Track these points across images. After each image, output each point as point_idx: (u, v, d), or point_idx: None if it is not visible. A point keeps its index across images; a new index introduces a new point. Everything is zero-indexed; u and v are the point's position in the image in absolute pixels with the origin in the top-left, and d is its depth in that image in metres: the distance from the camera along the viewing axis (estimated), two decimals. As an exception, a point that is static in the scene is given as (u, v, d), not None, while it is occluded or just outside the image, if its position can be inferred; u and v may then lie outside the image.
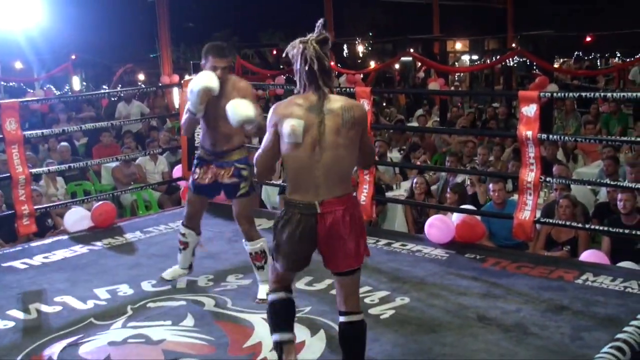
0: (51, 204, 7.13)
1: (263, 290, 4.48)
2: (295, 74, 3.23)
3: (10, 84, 17.05)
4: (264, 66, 20.71)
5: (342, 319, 3.37)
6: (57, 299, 4.71)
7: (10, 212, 6.16)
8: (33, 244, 6.09)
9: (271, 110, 3.27)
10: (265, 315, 4.19)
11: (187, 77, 10.00)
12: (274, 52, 23.49)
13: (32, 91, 16.51)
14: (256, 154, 3.35)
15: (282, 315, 3.50)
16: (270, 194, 8.58)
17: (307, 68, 3.15)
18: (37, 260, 5.61)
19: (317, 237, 3.23)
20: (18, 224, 6.00)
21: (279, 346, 3.46)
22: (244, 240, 4.66)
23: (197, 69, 7.37)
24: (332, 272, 3.38)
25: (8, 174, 5.95)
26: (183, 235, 4.82)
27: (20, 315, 4.47)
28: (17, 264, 5.54)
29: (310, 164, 3.15)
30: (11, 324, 4.34)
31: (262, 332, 4.04)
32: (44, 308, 4.58)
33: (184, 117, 4.61)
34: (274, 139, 3.25)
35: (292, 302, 3.55)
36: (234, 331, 4.11)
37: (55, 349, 3.95)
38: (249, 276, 5.01)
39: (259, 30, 23.72)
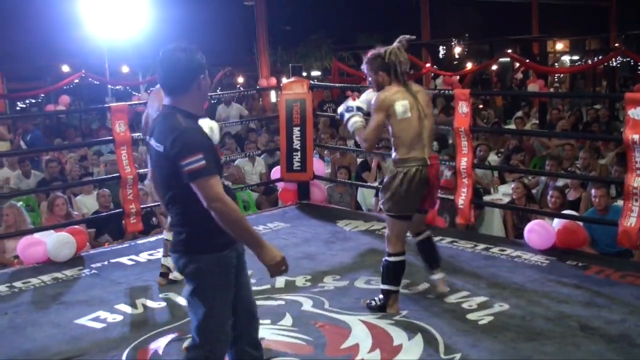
0: (156, 203, 7.38)
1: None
2: (375, 72, 4.34)
3: (117, 87, 17.74)
4: (359, 68, 20.74)
5: (423, 236, 4.60)
6: (161, 295, 4.90)
7: (118, 210, 6.44)
8: (139, 242, 6.35)
9: (379, 100, 4.26)
10: (362, 317, 4.27)
11: (284, 80, 10.14)
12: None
13: (137, 94, 17.14)
14: (365, 132, 4.33)
15: (400, 273, 4.41)
16: (366, 196, 8.61)
17: (393, 67, 4.29)
18: (143, 257, 5.85)
19: (428, 181, 4.30)
20: (126, 222, 6.27)
21: (391, 295, 4.36)
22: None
23: (296, 71, 7.49)
24: (421, 210, 4.50)
25: (117, 174, 6.22)
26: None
27: (128, 309, 4.67)
28: (124, 260, 5.79)
29: (420, 130, 4.28)
30: (119, 317, 4.54)
31: (359, 334, 4.08)
32: (150, 303, 4.77)
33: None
34: (384, 119, 4.27)
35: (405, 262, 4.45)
36: (332, 332, 4.16)
37: (160, 343, 4.10)
38: (346, 277, 5.06)
39: (355, 32, 23.74)
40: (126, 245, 6.29)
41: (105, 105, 8.14)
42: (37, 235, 5.93)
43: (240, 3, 16.97)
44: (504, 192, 7.91)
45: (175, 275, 5.00)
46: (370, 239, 6.10)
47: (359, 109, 4.48)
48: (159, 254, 5.88)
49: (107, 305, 4.74)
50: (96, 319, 4.51)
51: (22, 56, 15.73)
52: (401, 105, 4.22)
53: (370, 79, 4.42)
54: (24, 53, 15.70)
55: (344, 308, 4.48)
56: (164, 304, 4.75)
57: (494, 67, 20.15)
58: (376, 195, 7.87)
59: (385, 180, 4.46)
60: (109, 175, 7.42)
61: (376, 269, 5.18)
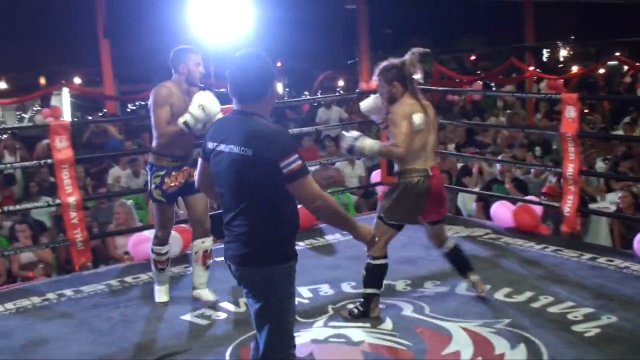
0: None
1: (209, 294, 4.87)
2: (389, 83, 4.41)
3: (221, 90, 18.19)
4: (460, 72, 20.50)
5: (447, 246, 4.69)
6: (263, 294, 4.98)
7: (218, 212, 6.60)
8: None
9: (405, 108, 4.32)
10: (464, 324, 4.22)
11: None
12: (472, 57, 23.18)
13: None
14: (398, 140, 4.27)
15: (383, 276, 4.48)
16: (466, 202, 8.50)
17: (409, 79, 4.41)
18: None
19: (430, 192, 4.37)
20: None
21: (373, 298, 4.45)
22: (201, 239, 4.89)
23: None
24: (430, 222, 4.58)
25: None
26: (162, 254, 4.87)
27: (231, 307, 4.80)
28: (226, 258, 5.92)
29: (426, 142, 4.39)
30: (223, 315, 4.67)
31: (460, 341, 4.04)
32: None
33: (172, 129, 4.55)
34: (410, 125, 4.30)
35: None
36: (432, 338, 4.14)
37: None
38: (447, 283, 5.01)
39: (457, 35, 23.47)
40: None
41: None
42: (146, 232, 6.16)
43: (341, 6, 17.04)
44: (611, 201, 7.63)
45: (198, 293, 4.87)
46: (471, 245, 6.02)
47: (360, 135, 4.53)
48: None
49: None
50: (201, 316, 4.65)
51: (134, 60, 16.39)
52: (419, 117, 4.31)
53: (382, 89, 4.47)
54: (136, 57, 16.36)
55: (444, 314, 4.45)
56: (266, 303, 4.84)
57: (601, 71, 19.45)
58: (477, 200, 7.77)
59: (388, 189, 4.60)
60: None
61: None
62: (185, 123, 4.43)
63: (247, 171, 2.81)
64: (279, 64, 17.43)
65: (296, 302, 4.68)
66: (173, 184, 4.67)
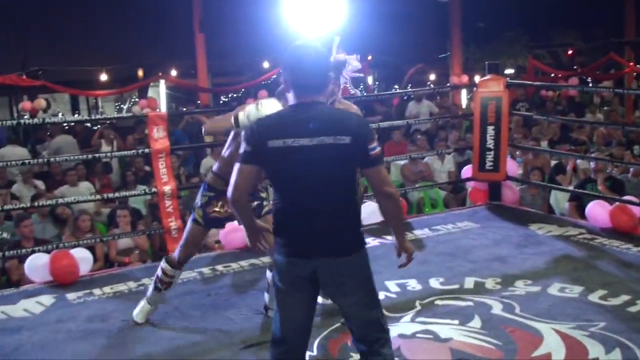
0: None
1: None
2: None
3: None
4: (556, 66, 19.93)
5: None
6: (351, 288, 5.00)
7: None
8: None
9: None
10: (555, 326, 4.12)
11: (477, 77, 9.99)
12: (569, 52, 22.48)
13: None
14: None
15: None
16: (559, 200, 8.27)
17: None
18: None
19: None
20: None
21: None
22: None
23: (492, 69, 7.35)
24: None
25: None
26: (168, 275, 4.44)
27: (319, 299, 4.80)
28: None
29: None
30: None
31: (551, 343, 3.94)
32: (340, 295, 4.89)
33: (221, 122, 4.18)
34: None
35: None
36: (523, 338, 4.05)
37: (349, 335, 4.19)
38: (538, 283, 4.90)
39: (552, 29, 22.79)
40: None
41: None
42: (237, 222, 6.28)
43: (434, -1, 16.90)
44: None
45: None
46: (564, 244, 5.87)
47: None
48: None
49: (300, 294, 4.92)
50: (290, 306, 4.70)
51: (229, 53, 16.72)
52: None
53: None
54: (231, 50, 16.67)
55: (535, 314, 4.34)
56: (353, 296, 4.86)
57: None
58: (570, 199, 7.55)
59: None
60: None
61: (571, 277, 5.00)
62: (235, 117, 3.84)
63: (343, 159, 2.79)
64: (369, 58, 17.38)
65: (383, 297, 4.75)
66: (218, 211, 4.25)
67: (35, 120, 7.31)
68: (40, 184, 8.81)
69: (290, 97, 2.88)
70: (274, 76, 15.67)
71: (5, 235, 6.82)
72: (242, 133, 3.01)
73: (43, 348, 4.26)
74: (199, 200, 4.26)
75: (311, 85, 2.82)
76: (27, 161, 7.66)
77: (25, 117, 13.51)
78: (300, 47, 2.86)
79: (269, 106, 3.58)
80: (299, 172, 2.80)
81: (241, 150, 2.85)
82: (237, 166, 2.86)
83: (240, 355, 4.02)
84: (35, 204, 7.13)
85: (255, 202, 4.21)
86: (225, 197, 3.82)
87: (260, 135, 2.79)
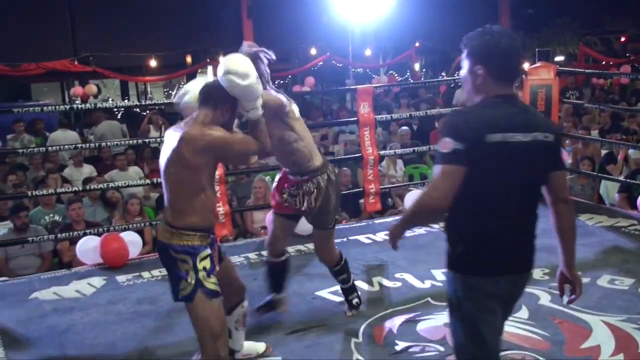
0: (392, 185, 7.56)
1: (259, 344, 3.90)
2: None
3: (358, 70, 18.31)
4: (608, 54, 19.50)
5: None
6: (397, 275, 5.01)
7: (357, 189, 6.67)
8: (376, 221, 6.53)
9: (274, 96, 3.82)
10: (605, 318, 4.06)
11: (526, 65, 9.72)
12: (622, 39, 21.96)
13: (376, 77, 17.54)
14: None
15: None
16: (610, 190, 8.11)
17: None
18: (380, 236, 6.02)
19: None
20: (365, 202, 6.48)
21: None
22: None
23: (542, 56, 7.23)
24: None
25: (359, 154, 6.44)
26: None
27: (364, 286, 4.85)
28: (362, 238, 6.00)
29: None
30: (357, 293, 4.71)
31: (601, 335, 3.89)
32: (386, 282, 4.91)
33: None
34: None
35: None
36: (571, 330, 4.01)
37: (395, 322, 4.21)
38: (588, 274, 4.83)
39: (603, 15, 22.28)
40: (363, 223, 6.51)
41: (351, 87, 8.42)
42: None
43: (482, -15, 16.69)
44: None
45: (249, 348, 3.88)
46: (615, 235, 5.77)
47: None
48: (395, 234, 6.02)
49: (346, 280, 4.94)
50: (335, 293, 4.71)
51: (275, 39, 16.74)
52: (294, 104, 4.00)
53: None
54: (277, 37, 16.70)
55: (584, 306, 4.28)
56: (399, 284, 4.87)
57: None
58: (620, 190, 7.40)
59: (316, 197, 4.00)
60: (351, 155, 7.70)
61: (621, 269, 4.92)
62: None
63: (546, 159, 2.53)
64: (417, 44, 17.25)
65: (429, 285, 4.74)
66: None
67: (88, 105, 7.45)
68: (91, 169, 8.99)
69: (476, 89, 2.51)
70: (320, 63, 15.68)
71: (57, 217, 6.97)
72: (444, 129, 2.45)
73: (94, 328, 4.36)
74: (196, 267, 3.11)
75: (514, 75, 2.54)
76: (79, 145, 7.79)
77: (77, 102, 13.77)
78: (499, 33, 2.46)
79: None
80: (511, 173, 2.45)
81: (445, 149, 2.39)
82: (439, 168, 2.40)
83: (287, 339, 4.06)
84: (87, 187, 7.27)
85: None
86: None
87: (477, 128, 2.38)
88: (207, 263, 3.12)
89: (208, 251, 3.14)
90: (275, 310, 4.34)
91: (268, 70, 3.80)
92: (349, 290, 4.37)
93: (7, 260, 6.17)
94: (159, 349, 4.04)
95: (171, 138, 3.17)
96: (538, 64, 7.08)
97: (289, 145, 3.89)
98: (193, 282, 3.06)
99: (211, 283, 3.11)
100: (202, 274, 3.08)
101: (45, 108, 6.82)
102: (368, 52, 19.39)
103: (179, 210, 3.11)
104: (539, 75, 6.97)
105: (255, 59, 3.58)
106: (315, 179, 3.97)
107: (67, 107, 9.71)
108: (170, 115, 12.51)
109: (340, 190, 4.06)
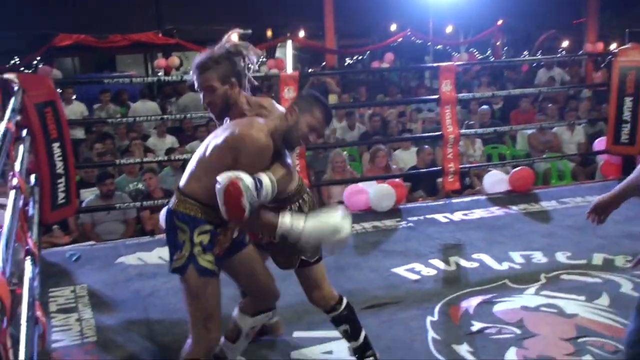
0: (470, 165, 7.49)
1: None
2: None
3: (437, 47, 18.09)
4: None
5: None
6: (474, 256, 4.99)
7: (436, 168, 6.64)
8: (453, 200, 6.50)
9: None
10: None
11: (613, 46, 9.48)
12: None
13: (457, 54, 17.28)
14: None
15: None
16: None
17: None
18: (457, 216, 5.99)
19: None
20: (444, 180, 6.45)
21: None
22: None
23: (634, 37, 7.00)
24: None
25: (439, 132, 6.40)
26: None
27: (441, 265, 4.84)
28: (439, 217, 5.98)
29: None
30: (433, 272, 4.72)
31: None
32: (463, 262, 4.89)
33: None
34: None
35: None
36: (654, 319, 3.91)
37: (472, 303, 4.19)
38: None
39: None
40: (441, 202, 6.49)
41: (433, 64, 8.34)
42: (360, 184, 6.35)
43: (570, -38, 16.16)
44: None
45: None
46: None
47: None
48: (473, 214, 6.00)
49: (422, 259, 4.95)
50: (411, 270, 4.74)
51: (355, 14, 16.70)
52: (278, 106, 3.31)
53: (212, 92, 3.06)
54: (358, 12, 16.65)
55: (669, 295, 4.18)
56: (476, 264, 4.84)
57: None
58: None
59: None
60: (431, 134, 7.66)
61: None
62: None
63: None
64: (499, 22, 16.89)
65: (507, 267, 4.70)
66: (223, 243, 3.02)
67: (174, 77, 7.60)
68: (173, 139, 9.21)
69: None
70: (400, 39, 15.55)
71: (140, 186, 7.19)
72: None
73: (176, 294, 4.48)
74: (193, 240, 2.87)
75: None
76: (163, 117, 7.99)
77: (160, 73, 14.08)
78: None
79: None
80: None
81: None
82: None
83: (361, 314, 4.08)
84: (169, 157, 7.45)
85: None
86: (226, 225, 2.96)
87: None
88: (205, 238, 2.88)
89: (208, 227, 2.88)
90: (271, 335, 3.84)
91: (247, 72, 3.17)
92: (359, 350, 3.33)
93: (94, 226, 6.42)
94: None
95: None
96: (628, 45, 6.86)
97: None
98: (187, 254, 2.86)
99: (206, 260, 2.87)
100: (197, 249, 2.86)
101: (134, 79, 7.02)
102: (449, 29, 19.10)
103: (194, 177, 2.94)
104: (629, 57, 6.74)
105: (229, 57, 3.08)
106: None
107: (155, 78, 9.96)
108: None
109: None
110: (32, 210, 4.59)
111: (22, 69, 13.26)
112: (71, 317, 4.18)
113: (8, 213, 2.68)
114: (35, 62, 13.36)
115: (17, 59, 13.56)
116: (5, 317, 1.84)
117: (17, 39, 14.74)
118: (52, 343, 3.82)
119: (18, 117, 4.18)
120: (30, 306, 3.18)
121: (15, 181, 3.32)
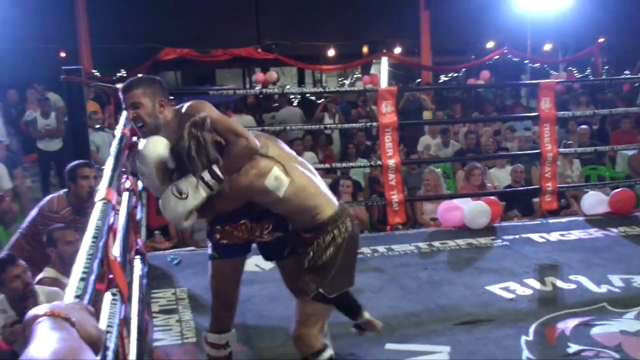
0: (568, 185, 7.34)
1: None
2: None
3: (535, 65, 17.75)
4: None
5: None
6: (571, 277, 4.89)
7: (533, 187, 6.54)
8: (550, 221, 6.38)
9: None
10: None
11: None
12: None
13: (555, 73, 16.92)
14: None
15: None
16: None
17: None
18: (554, 236, 5.88)
19: None
20: (541, 199, 6.35)
21: None
22: None
23: None
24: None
25: (537, 151, 6.31)
26: (221, 347, 3.34)
27: (536, 285, 4.77)
28: (535, 236, 5.89)
29: None
30: (529, 291, 4.66)
31: None
32: (559, 283, 4.80)
33: None
34: None
35: None
36: None
37: (568, 324, 4.12)
38: None
39: None
40: (537, 222, 6.39)
41: (532, 81, 8.22)
42: (455, 201, 6.33)
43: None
44: None
45: None
46: None
47: None
48: (570, 235, 5.88)
49: (517, 278, 4.89)
50: (506, 289, 4.69)
51: (452, 31, 16.63)
52: None
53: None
54: (454, 29, 16.57)
55: None
56: (573, 286, 4.74)
57: None
58: None
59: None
60: (528, 152, 7.55)
61: None
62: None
63: None
64: (601, 40, 16.42)
65: (605, 290, 4.59)
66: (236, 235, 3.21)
67: (275, 90, 7.86)
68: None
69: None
70: (496, 57, 15.37)
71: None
72: None
73: (271, 301, 4.61)
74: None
75: None
76: (258, 128, 8.19)
77: (257, 88, 14.40)
78: None
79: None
80: None
81: None
82: None
83: (454, 330, 4.09)
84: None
85: (277, 235, 3.23)
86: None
87: None
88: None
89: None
90: (368, 330, 3.73)
91: None
92: None
93: (193, 233, 6.64)
94: (333, 327, 4.20)
95: None
96: None
97: None
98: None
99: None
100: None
101: (237, 91, 7.25)
102: (548, 47, 18.71)
103: None
104: None
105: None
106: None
107: (257, 91, 10.28)
108: (343, 104, 12.82)
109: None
110: (140, 213, 4.81)
111: (128, 81, 13.82)
112: (172, 318, 4.35)
113: (122, 213, 2.84)
114: (140, 75, 13.88)
115: (124, 72, 14.14)
116: (123, 305, 1.97)
117: (124, 52, 15.40)
118: (153, 341, 3.99)
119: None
120: (141, 301, 3.36)
121: (128, 183, 3.52)
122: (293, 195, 2.93)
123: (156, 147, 2.89)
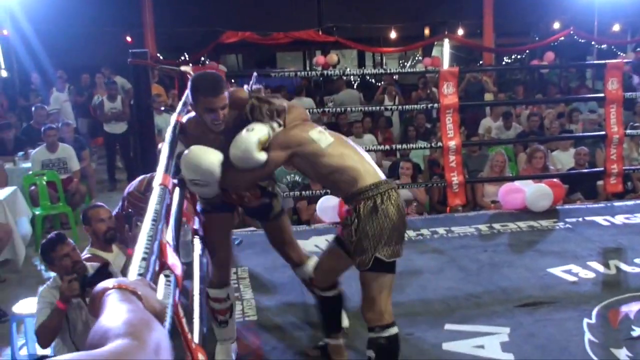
0: (634, 167, 7.16)
1: None
2: None
3: (601, 46, 17.29)
4: None
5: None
6: (637, 260, 4.80)
7: (597, 169, 6.41)
8: (615, 203, 6.25)
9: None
10: None
11: None
12: None
13: (622, 54, 16.43)
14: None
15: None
16: None
17: None
18: (619, 219, 5.77)
19: None
20: (605, 182, 6.23)
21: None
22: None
23: None
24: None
25: (602, 133, 6.18)
26: (222, 300, 3.55)
27: (600, 268, 4.70)
28: (599, 219, 5.79)
29: None
30: (591, 274, 4.59)
31: None
32: (624, 266, 4.72)
33: None
34: None
35: None
36: None
37: (632, 308, 4.05)
38: None
39: None
40: (601, 205, 6.27)
41: (600, 62, 8.03)
42: (517, 183, 6.26)
43: None
44: None
45: None
46: None
47: None
48: (636, 218, 5.76)
49: (580, 261, 4.82)
50: (568, 272, 4.63)
51: (516, 12, 16.31)
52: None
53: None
54: (518, 9, 16.25)
55: None
56: (638, 269, 4.65)
57: None
58: None
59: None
60: (592, 133, 7.40)
61: None
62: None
63: None
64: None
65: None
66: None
67: (336, 72, 7.87)
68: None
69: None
70: (562, 38, 15.01)
71: (297, 178, 7.44)
72: None
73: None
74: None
75: None
76: (316, 110, 8.21)
77: (317, 70, 14.44)
78: None
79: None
80: None
81: None
82: None
83: (515, 312, 4.07)
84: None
85: (264, 201, 3.56)
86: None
87: None
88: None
89: None
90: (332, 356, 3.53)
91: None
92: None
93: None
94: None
95: None
96: None
97: None
98: None
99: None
100: None
101: (299, 73, 7.25)
102: (616, 28, 18.16)
103: None
104: None
105: None
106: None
107: (318, 73, 10.35)
108: (404, 86, 12.75)
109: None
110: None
111: (190, 64, 14.05)
112: (234, 296, 4.43)
113: (175, 196, 2.90)
114: (202, 58, 14.08)
115: (187, 55, 14.36)
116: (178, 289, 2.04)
117: (187, 36, 15.62)
118: (216, 319, 4.08)
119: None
120: (202, 280, 3.44)
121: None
122: (335, 153, 3.00)
123: (209, 157, 3.06)
